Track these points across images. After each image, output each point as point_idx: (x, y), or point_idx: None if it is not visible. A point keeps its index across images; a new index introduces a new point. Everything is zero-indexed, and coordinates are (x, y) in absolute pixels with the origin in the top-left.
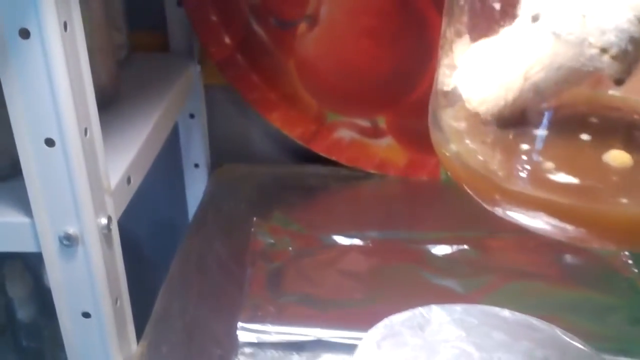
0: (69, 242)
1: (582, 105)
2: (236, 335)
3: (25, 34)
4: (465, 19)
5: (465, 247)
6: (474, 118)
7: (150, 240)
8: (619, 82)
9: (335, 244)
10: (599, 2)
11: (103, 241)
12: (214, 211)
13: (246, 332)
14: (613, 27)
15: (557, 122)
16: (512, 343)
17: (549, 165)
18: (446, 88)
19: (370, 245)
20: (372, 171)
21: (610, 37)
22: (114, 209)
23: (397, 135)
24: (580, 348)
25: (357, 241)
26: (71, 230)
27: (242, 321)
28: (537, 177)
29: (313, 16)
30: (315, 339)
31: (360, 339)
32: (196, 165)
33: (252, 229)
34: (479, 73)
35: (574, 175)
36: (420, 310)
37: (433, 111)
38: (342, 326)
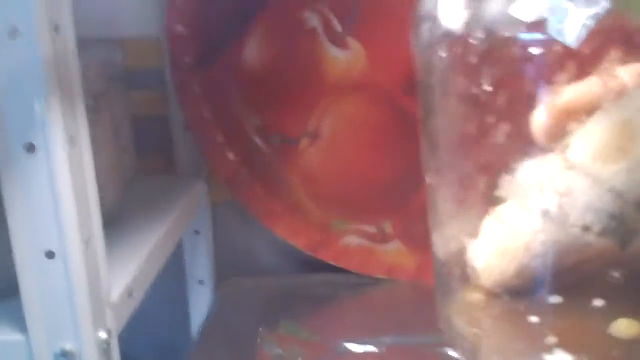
0: (65, 358)
1: (605, 260)
2: None
3: (30, 148)
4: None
5: None
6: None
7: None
8: (622, 248)
9: (348, 351)
10: (574, 181)
11: (102, 356)
12: (218, 326)
13: None
14: (590, 207)
15: (569, 288)
16: None
17: (551, 340)
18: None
19: (385, 351)
20: (382, 277)
21: (589, 217)
22: (115, 322)
23: (404, 240)
24: None
25: (370, 348)
26: (68, 346)
27: None
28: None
29: (315, 132)
30: None
31: None
32: (200, 282)
33: (258, 340)
34: (486, 247)
35: (573, 352)
36: None
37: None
38: None
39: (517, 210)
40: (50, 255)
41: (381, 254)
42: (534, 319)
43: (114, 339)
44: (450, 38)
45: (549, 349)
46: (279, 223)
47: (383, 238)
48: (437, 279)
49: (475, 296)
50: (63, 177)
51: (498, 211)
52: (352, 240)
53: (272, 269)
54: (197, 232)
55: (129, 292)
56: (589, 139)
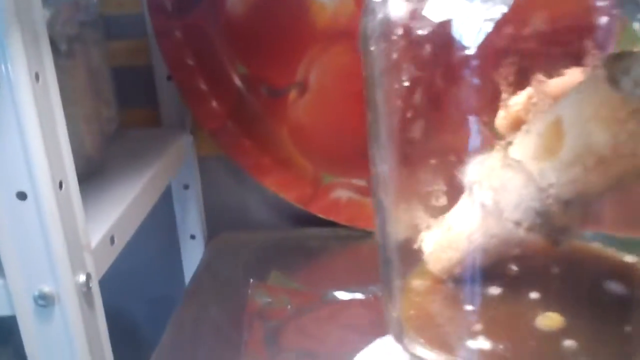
0: (44, 301)
1: (548, 256)
2: None
3: None
4: None
5: None
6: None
7: (146, 315)
8: (554, 245)
9: (336, 299)
10: (509, 178)
11: (82, 300)
12: (209, 278)
13: None
14: (520, 203)
15: (510, 280)
16: None
17: (477, 327)
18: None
19: (372, 298)
20: (371, 230)
21: (519, 213)
22: (95, 267)
23: None
24: None
25: (358, 295)
26: (46, 288)
27: None
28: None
29: (303, 83)
30: None
31: None
32: (192, 237)
33: (249, 291)
34: (436, 235)
35: (494, 340)
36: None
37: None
38: None
39: (465, 202)
40: (21, 196)
41: (370, 207)
42: (469, 307)
43: (95, 284)
44: (385, 31)
45: (473, 336)
46: (268, 177)
47: None
48: (382, 264)
49: (419, 282)
50: (29, 113)
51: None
52: (342, 193)
53: (263, 223)
54: (186, 187)
55: (111, 239)
56: (527, 138)
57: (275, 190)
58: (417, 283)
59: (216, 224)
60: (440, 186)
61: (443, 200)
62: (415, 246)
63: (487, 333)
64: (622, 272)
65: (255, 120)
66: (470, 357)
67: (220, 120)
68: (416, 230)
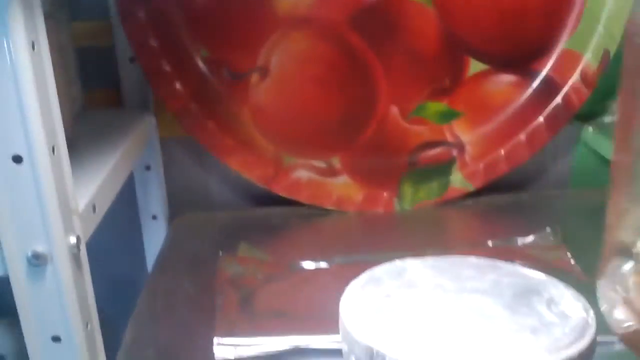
0: (37, 261)
1: None
2: (213, 353)
3: None
4: None
5: None
6: None
7: (107, 296)
8: None
9: (302, 268)
10: None
11: (73, 261)
12: (177, 253)
13: (223, 347)
14: None
15: None
16: (480, 276)
17: None
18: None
19: (335, 268)
20: (331, 208)
21: None
22: (82, 230)
23: (351, 174)
24: (542, 276)
25: (323, 264)
26: (40, 248)
27: (219, 336)
28: None
29: (264, 67)
30: (293, 347)
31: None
32: (154, 217)
33: (219, 263)
34: None
35: None
36: (397, 262)
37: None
38: (318, 333)
39: None
40: (17, 159)
41: (330, 187)
42: None
43: (83, 247)
44: None
45: None
46: (231, 157)
47: (332, 172)
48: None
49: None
50: (27, 79)
51: None
52: (303, 174)
53: (225, 203)
54: (147, 168)
55: (93, 207)
56: None
57: (238, 170)
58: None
59: (178, 205)
60: None
61: None
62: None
63: None
64: None
65: (217, 102)
66: None
67: (183, 102)
68: None
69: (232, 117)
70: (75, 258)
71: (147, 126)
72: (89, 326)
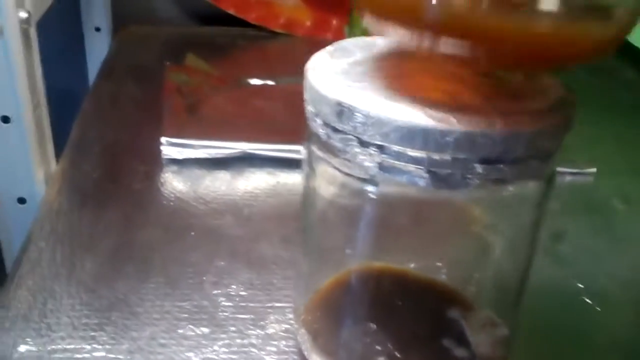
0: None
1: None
2: (160, 152)
3: None
4: None
5: None
6: None
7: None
8: None
9: (249, 84)
10: None
11: (23, 36)
12: (122, 62)
13: (171, 147)
14: None
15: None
16: None
17: None
18: None
19: (284, 85)
20: (279, 31)
21: None
22: (33, 8)
23: None
24: None
25: (270, 82)
26: None
27: (166, 136)
28: None
29: None
30: (241, 152)
31: (287, 151)
32: (97, 29)
33: (165, 73)
34: None
35: None
36: (365, 38)
37: None
38: (268, 141)
39: None
40: None
41: (279, 8)
42: None
43: (34, 25)
44: None
45: None
46: None
47: None
48: None
49: None
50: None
51: None
52: None
53: (170, 19)
54: None
55: None
56: None
57: None
58: None
59: (122, 17)
60: None
61: None
62: None
63: None
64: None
65: None
66: None
67: None
68: None
69: None
70: (26, 35)
71: None
72: (38, 109)
